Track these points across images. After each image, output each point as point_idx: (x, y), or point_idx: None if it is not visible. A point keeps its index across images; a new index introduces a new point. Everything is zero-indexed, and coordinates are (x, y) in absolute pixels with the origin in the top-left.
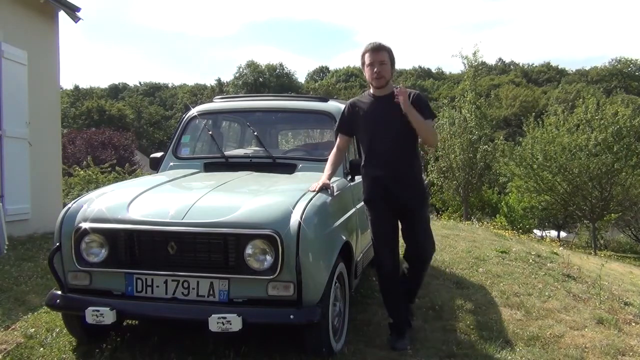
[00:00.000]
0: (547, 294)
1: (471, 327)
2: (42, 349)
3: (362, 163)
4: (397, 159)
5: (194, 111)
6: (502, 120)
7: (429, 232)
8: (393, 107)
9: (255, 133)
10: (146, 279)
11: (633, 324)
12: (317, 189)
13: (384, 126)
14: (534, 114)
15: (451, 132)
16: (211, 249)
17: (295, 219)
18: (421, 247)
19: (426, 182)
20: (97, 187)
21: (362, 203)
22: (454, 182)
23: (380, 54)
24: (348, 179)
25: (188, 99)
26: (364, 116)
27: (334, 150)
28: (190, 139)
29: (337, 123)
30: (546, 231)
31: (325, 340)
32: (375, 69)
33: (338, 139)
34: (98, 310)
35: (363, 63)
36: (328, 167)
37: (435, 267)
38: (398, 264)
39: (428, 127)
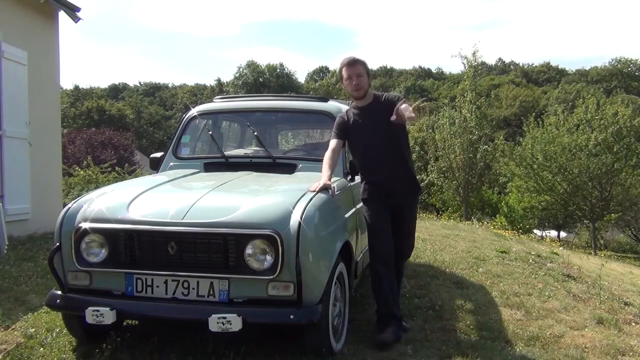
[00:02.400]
0: (547, 294)
1: (471, 327)
2: (42, 349)
3: (359, 169)
4: (390, 161)
5: (194, 111)
6: (502, 120)
7: (414, 229)
8: (376, 114)
9: (255, 133)
10: (146, 279)
11: (633, 324)
12: (317, 189)
13: (372, 134)
14: (534, 114)
15: (451, 132)
16: (211, 249)
17: (295, 219)
18: (410, 239)
19: (426, 181)
20: (97, 187)
21: (362, 203)
22: (454, 182)
23: (355, 67)
24: (348, 179)
25: (188, 99)
26: (353, 127)
27: (329, 152)
28: (190, 139)
29: (333, 128)
30: (546, 231)
31: (325, 340)
32: (354, 82)
33: (334, 142)
34: (98, 310)
35: (341, 77)
36: (326, 167)
37: (435, 267)
38: (393, 255)
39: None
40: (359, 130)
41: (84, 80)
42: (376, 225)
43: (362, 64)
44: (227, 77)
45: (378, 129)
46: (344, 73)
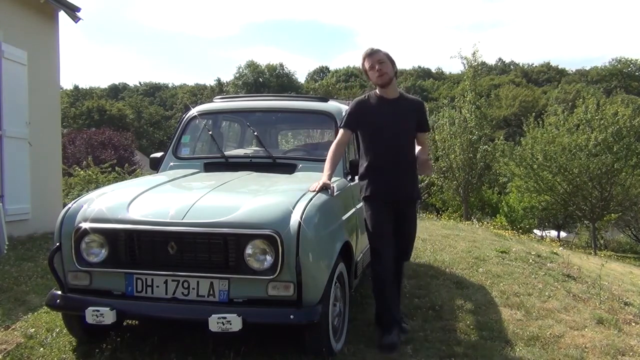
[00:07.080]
0: (547, 294)
1: (471, 327)
2: (42, 349)
3: (365, 162)
4: (401, 160)
5: (194, 111)
6: (502, 120)
7: (415, 233)
8: (400, 112)
9: (255, 133)
10: (146, 279)
11: (633, 324)
12: (317, 189)
13: (393, 129)
14: (534, 114)
15: (451, 132)
16: (211, 249)
17: (295, 219)
18: (411, 241)
19: (426, 181)
20: (97, 187)
21: (362, 203)
22: (454, 182)
23: (377, 55)
24: (348, 179)
25: (188, 99)
26: (372, 117)
27: (335, 146)
28: (190, 139)
29: (344, 118)
30: (546, 231)
31: (325, 340)
32: (377, 67)
33: (341, 135)
34: (98, 310)
35: (365, 70)
36: (328, 164)
37: (435, 267)
38: (393, 257)
39: (430, 165)
40: (381, 121)
41: (83, 80)
42: (378, 226)
43: (382, 52)
44: (227, 77)
45: (400, 127)
46: (366, 64)
